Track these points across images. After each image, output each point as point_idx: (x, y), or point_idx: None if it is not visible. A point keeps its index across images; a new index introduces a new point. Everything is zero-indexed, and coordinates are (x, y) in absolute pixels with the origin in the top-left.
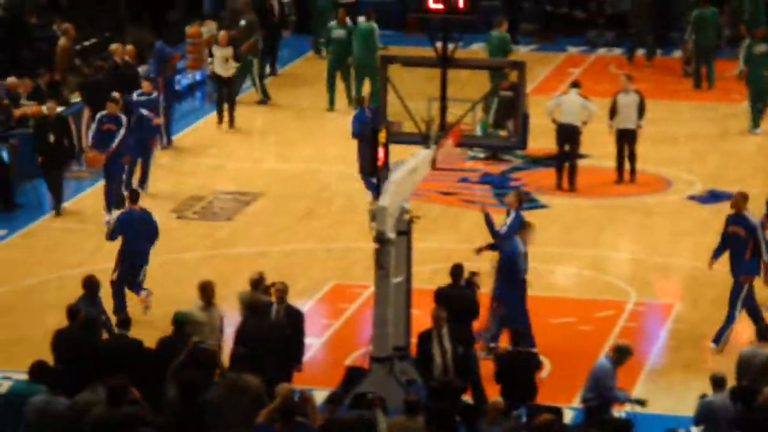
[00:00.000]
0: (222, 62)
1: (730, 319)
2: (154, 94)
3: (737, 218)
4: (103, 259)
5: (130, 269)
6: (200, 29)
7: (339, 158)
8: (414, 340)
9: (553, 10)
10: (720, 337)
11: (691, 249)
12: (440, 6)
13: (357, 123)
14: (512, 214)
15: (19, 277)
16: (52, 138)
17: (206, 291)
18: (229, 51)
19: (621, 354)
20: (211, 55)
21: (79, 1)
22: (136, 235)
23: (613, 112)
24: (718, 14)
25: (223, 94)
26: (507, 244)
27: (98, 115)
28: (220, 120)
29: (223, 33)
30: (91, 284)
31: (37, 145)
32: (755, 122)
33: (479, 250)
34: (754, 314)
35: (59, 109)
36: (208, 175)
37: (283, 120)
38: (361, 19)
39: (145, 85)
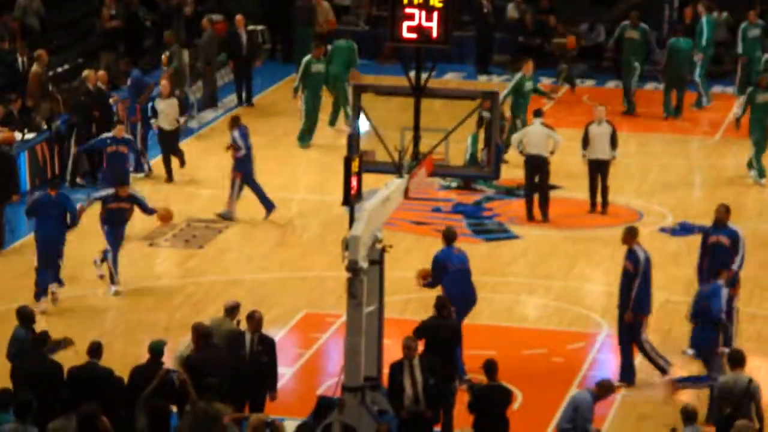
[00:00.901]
0: (166, 115)
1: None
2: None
3: (721, 229)
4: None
5: (46, 254)
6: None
7: (312, 186)
8: (386, 370)
9: (525, 42)
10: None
11: (662, 281)
12: (414, 35)
13: None
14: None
15: None
16: None
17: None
18: (173, 102)
19: (605, 391)
20: (154, 111)
21: (51, 28)
22: (48, 219)
23: (585, 143)
24: (692, 45)
25: (168, 148)
26: None
27: (103, 137)
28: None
29: (164, 83)
30: (24, 315)
31: None
32: (761, 173)
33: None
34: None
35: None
36: (181, 202)
37: (256, 148)
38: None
39: (119, 129)
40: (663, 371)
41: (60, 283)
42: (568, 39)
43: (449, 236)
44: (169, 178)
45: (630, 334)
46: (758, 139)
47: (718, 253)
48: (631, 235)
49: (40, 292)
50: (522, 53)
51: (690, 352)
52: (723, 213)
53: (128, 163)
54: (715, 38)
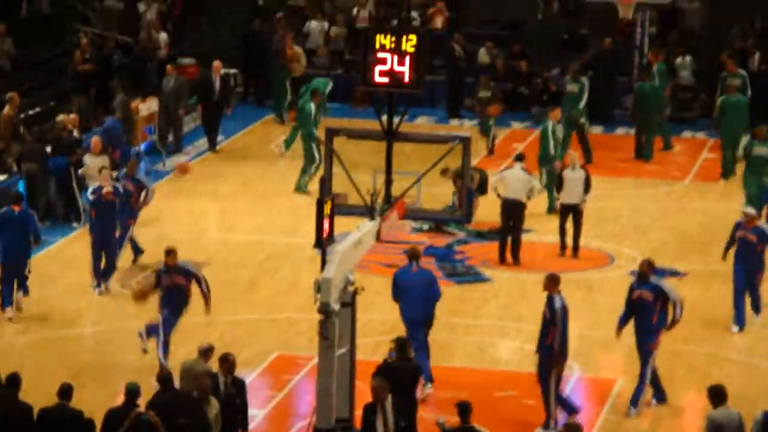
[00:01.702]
0: (95, 173)
1: (642, 379)
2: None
3: (644, 284)
4: None
5: (10, 268)
6: (139, 105)
7: (284, 229)
8: (358, 411)
9: (498, 86)
10: (636, 401)
11: (633, 325)
12: (386, 80)
13: None
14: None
15: None
16: None
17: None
18: (104, 160)
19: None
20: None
21: (22, 69)
22: (11, 235)
23: (559, 187)
24: (659, 88)
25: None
26: None
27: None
28: None
29: (95, 139)
30: None
31: None
32: None
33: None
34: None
35: None
36: (153, 244)
37: (228, 190)
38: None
39: (103, 179)
40: (549, 419)
41: (26, 291)
42: (492, 107)
43: (411, 254)
44: None
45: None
46: (752, 194)
47: (641, 308)
48: (552, 282)
49: (5, 301)
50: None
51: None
52: (645, 268)
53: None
54: (679, 82)
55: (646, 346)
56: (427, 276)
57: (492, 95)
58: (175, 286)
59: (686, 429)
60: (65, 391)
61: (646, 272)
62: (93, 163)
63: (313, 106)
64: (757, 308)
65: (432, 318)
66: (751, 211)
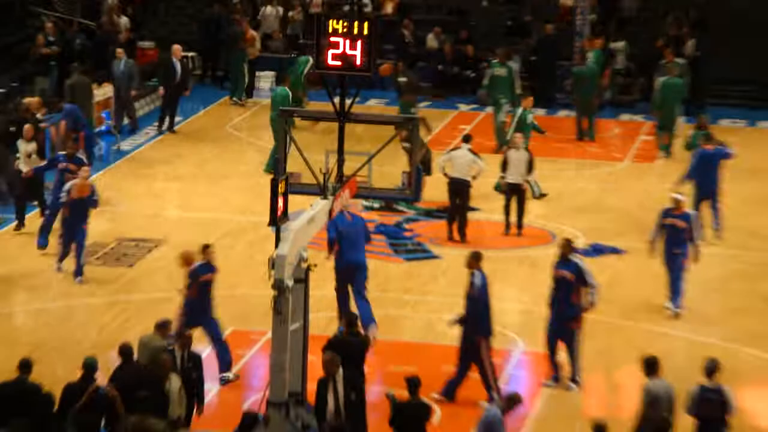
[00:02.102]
0: (25, 157)
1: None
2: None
3: (565, 264)
4: None
5: None
6: (95, 90)
7: (240, 208)
8: (311, 385)
9: (444, 70)
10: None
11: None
12: (338, 63)
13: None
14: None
15: None
16: None
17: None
18: (32, 146)
19: (511, 402)
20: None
21: None
22: None
23: (504, 167)
24: (596, 73)
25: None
26: None
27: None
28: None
29: (28, 126)
30: None
31: None
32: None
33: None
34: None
35: None
36: (112, 222)
37: (186, 170)
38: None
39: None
40: (491, 392)
41: None
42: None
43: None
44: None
45: (471, 353)
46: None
47: (562, 287)
48: (474, 259)
49: None
50: (443, 82)
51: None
52: (566, 248)
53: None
54: (615, 66)
55: (568, 326)
56: (362, 221)
57: (408, 81)
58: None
59: (625, 401)
60: (24, 365)
61: (566, 253)
62: (23, 148)
63: (281, 90)
64: (678, 294)
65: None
66: (680, 197)
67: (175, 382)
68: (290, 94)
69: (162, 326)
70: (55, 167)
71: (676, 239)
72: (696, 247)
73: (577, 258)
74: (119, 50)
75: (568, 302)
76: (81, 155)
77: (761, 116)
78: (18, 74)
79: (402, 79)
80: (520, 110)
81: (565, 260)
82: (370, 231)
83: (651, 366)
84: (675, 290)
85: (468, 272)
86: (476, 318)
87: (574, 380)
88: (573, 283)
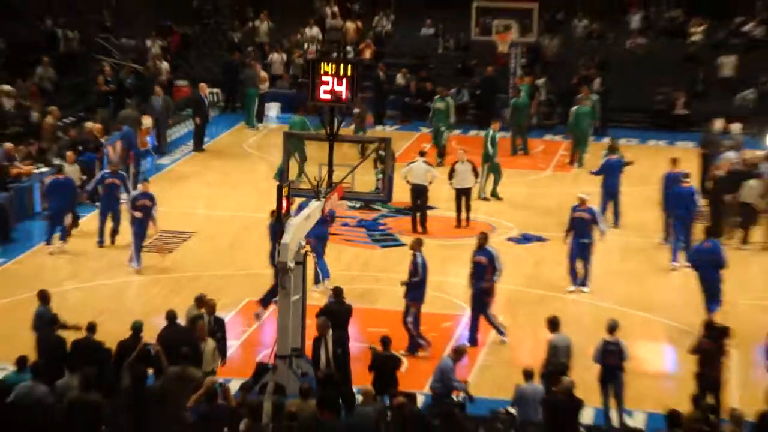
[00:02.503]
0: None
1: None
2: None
3: (481, 251)
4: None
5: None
6: (142, 119)
7: (255, 207)
8: (308, 342)
9: (410, 102)
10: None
11: (509, 276)
12: (329, 97)
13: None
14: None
15: (11, 293)
16: None
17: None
18: (75, 168)
19: (459, 354)
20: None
21: (61, 89)
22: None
23: (451, 176)
24: (527, 103)
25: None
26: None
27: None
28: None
29: (69, 153)
30: (44, 296)
31: None
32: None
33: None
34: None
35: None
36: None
37: (212, 179)
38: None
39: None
40: (417, 347)
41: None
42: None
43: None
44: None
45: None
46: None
47: (477, 270)
48: (417, 243)
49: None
50: (408, 110)
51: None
52: (482, 239)
53: (119, 192)
54: (541, 98)
55: (481, 299)
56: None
57: (361, 111)
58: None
59: (537, 352)
60: (91, 327)
61: (483, 242)
62: (67, 169)
63: (298, 118)
64: (586, 279)
65: None
66: (584, 195)
67: (210, 344)
68: (306, 120)
69: (199, 300)
70: (103, 182)
71: (583, 230)
72: (603, 232)
73: (490, 247)
74: (158, 88)
75: (482, 281)
76: (122, 171)
77: (650, 136)
78: (83, 106)
79: (356, 110)
80: (490, 131)
81: (481, 248)
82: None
83: (554, 324)
84: (585, 275)
85: (411, 253)
86: (413, 289)
87: (500, 333)
88: (486, 266)
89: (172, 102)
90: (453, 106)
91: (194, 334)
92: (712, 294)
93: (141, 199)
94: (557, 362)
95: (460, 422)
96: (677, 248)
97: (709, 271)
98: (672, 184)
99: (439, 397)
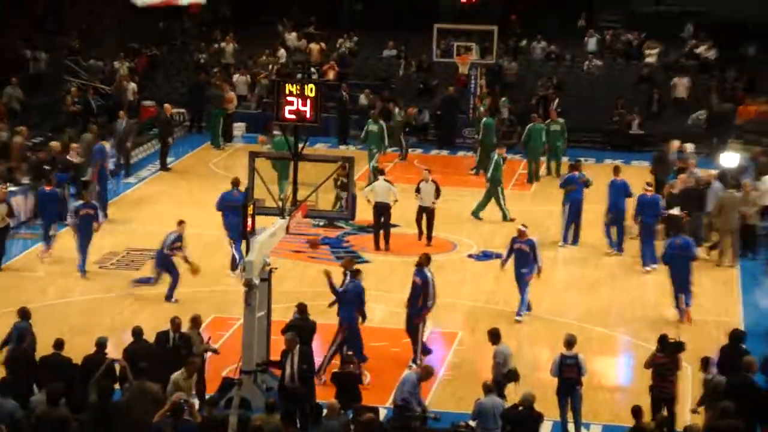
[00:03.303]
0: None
1: (415, 348)
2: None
3: (419, 272)
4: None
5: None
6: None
7: (219, 225)
8: (273, 358)
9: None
10: (415, 360)
11: (469, 292)
12: (293, 117)
13: (221, 200)
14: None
15: None
16: None
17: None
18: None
19: (427, 373)
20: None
21: (28, 110)
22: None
23: (417, 193)
24: (492, 124)
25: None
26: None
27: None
28: None
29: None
30: (24, 312)
31: None
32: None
33: (330, 305)
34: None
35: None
36: (123, 236)
37: (178, 198)
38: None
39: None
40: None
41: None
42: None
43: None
44: None
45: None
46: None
47: (414, 291)
48: (428, 259)
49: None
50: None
51: None
52: (423, 260)
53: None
54: (501, 117)
55: (413, 321)
56: (239, 199)
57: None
58: None
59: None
60: (59, 344)
61: (423, 263)
62: None
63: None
64: (521, 307)
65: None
66: (523, 228)
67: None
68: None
69: (194, 320)
70: (77, 213)
71: (522, 261)
72: (540, 266)
73: (428, 270)
74: (121, 112)
75: (416, 303)
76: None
77: (606, 156)
78: (51, 126)
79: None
80: (495, 155)
81: (420, 269)
82: None
83: (495, 335)
84: (522, 302)
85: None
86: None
87: (414, 361)
88: (421, 287)
89: (136, 124)
90: (386, 129)
91: (160, 350)
92: (684, 286)
93: (83, 208)
94: (510, 371)
95: None
96: (646, 253)
97: (682, 264)
98: (617, 192)
99: (401, 410)
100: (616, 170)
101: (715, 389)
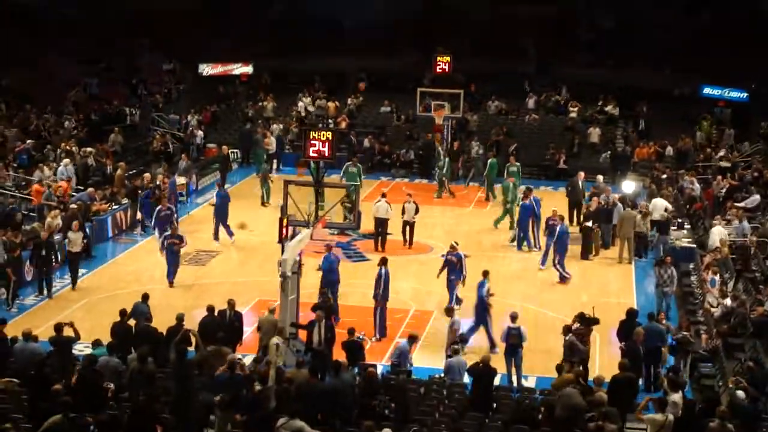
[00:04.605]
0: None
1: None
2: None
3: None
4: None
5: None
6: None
7: (263, 233)
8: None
9: (373, 159)
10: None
11: (442, 283)
12: (316, 155)
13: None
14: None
15: (93, 294)
16: (43, 252)
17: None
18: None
19: (412, 339)
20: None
21: (127, 150)
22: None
23: (402, 212)
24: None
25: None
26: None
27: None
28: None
29: (76, 223)
30: (144, 296)
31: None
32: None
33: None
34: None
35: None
36: (193, 241)
37: (234, 214)
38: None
39: (164, 202)
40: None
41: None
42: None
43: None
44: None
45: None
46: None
47: (378, 281)
48: (382, 262)
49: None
50: (372, 165)
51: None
52: (382, 263)
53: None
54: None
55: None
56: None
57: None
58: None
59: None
60: (148, 318)
61: (381, 263)
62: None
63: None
64: (456, 301)
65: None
66: (455, 243)
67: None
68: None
69: (272, 310)
70: (159, 214)
71: (451, 269)
72: (464, 275)
73: (385, 268)
74: (183, 155)
75: (376, 293)
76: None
77: (541, 183)
78: (142, 162)
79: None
80: (506, 182)
81: (380, 267)
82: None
83: (449, 311)
84: (450, 300)
85: (377, 267)
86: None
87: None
88: (378, 280)
89: (193, 166)
90: (362, 170)
91: (222, 323)
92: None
93: (170, 238)
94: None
95: (403, 385)
96: (545, 257)
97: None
98: (525, 212)
99: (394, 367)
100: (526, 195)
101: (570, 348)
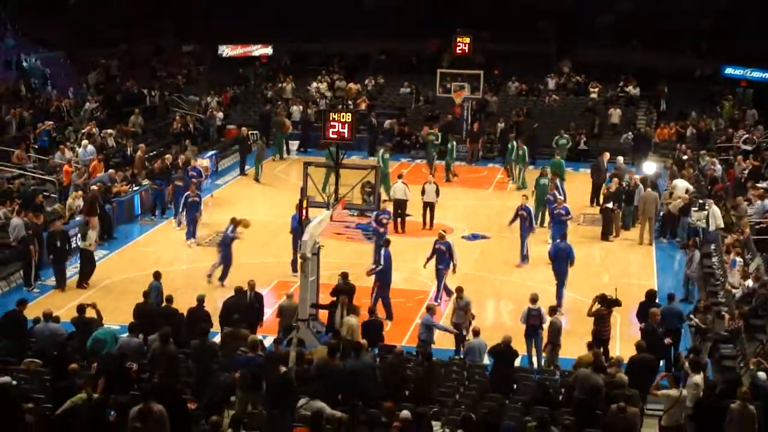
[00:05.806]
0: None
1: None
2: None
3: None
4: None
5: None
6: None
7: (283, 214)
8: (322, 312)
9: (393, 140)
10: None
11: (462, 263)
12: (336, 136)
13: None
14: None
15: (115, 275)
16: (58, 244)
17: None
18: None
19: (431, 310)
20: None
21: (146, 132)
22: None
23: (422, 193)
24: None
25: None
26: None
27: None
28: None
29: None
30: (156, 275)
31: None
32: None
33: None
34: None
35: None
36: (213, 222)
37: (252, 195)
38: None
39: (192, 188)
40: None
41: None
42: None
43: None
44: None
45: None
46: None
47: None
48: (385, 243)
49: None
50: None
51: None
52: (385, 243)
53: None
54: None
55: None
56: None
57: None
58: None
59: (480, 318)
60: (168, 299)
61: (384, 245)
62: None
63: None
64: (446, 292)
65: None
66: (443, 233)
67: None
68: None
69: (290, 295)
70: (187, 201)
71: (440, 258)
72: (455, 263)
73: (387, 250)
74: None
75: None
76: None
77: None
78: (162, 144)
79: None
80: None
81: (386, 245)
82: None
83: (459, 290)
84: (438, 289)
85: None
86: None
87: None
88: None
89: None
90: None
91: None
92: (561, 280)
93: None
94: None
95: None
96: (525, 252)
97: (562, 263)
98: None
99: (423, 343)
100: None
101: (552, 327)
